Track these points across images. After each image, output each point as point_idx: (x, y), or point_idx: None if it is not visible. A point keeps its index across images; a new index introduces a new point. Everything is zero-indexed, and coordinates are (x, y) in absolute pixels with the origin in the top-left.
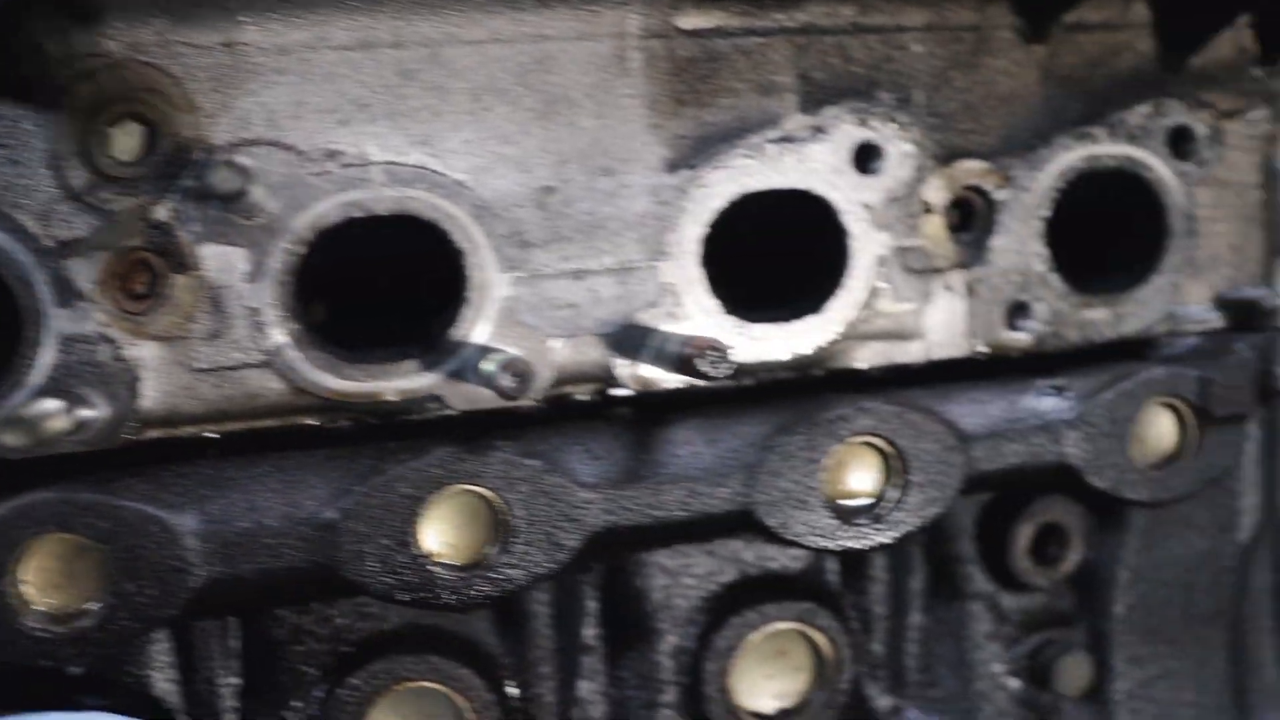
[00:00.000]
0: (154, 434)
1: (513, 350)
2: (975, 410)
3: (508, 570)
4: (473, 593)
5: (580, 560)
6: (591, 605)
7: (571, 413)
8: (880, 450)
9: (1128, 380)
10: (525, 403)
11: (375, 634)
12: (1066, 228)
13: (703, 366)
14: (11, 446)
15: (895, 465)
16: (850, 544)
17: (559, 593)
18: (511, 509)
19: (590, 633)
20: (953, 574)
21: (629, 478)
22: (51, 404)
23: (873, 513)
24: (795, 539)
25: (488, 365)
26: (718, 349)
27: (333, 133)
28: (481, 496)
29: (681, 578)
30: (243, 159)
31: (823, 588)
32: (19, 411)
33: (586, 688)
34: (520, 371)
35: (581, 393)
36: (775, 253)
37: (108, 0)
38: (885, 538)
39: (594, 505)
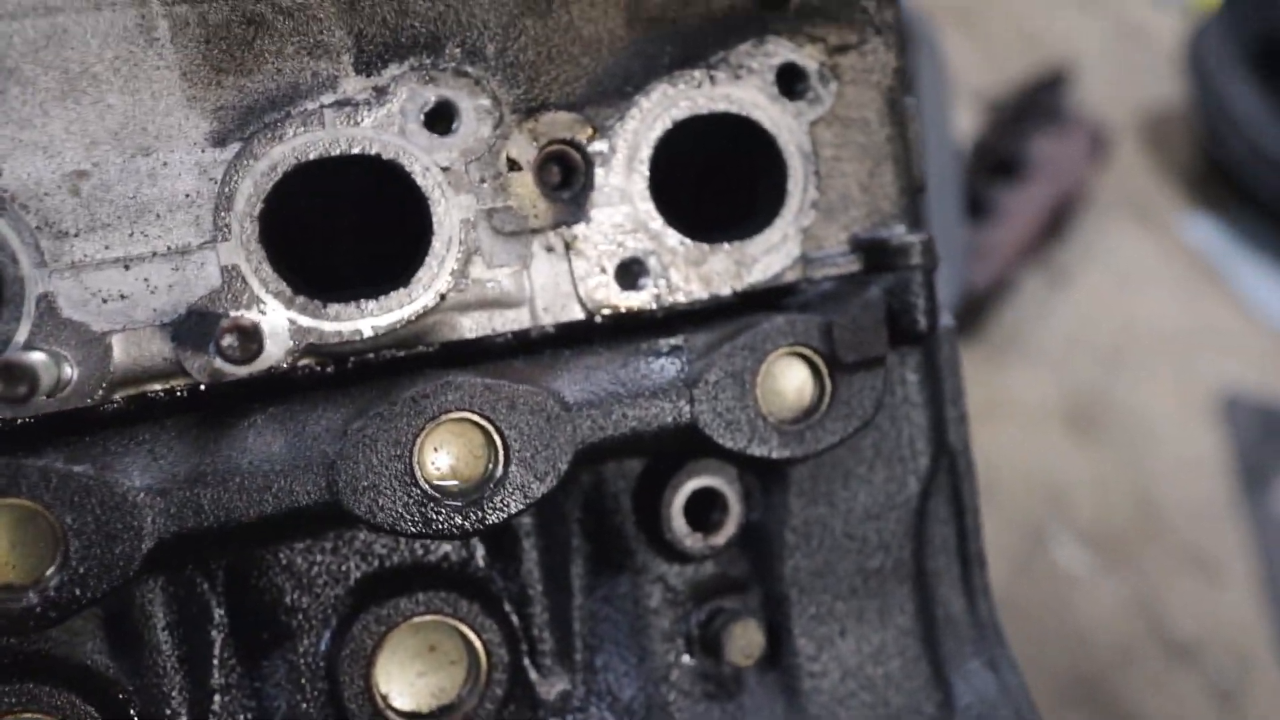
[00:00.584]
0: None
1: (63, 350)
2: (583, 377)
3: (67, 587)
4: (28, 614)
5: (155, 569)
6: (218, 613)
7: (154, 414)
8: (480, 426)
9: (747, 332)
10: (90, 403)
11: None
12: (684, 178)
13: (226, 349)
14: None
15: (494, 442)
16: (449, 528)
17: (177, 601)
18: (63, 519)
19: (218, 641)
20: (615, 550)
21: (194, 478)
22: None
23: (474, 494)
24: (388, 527)
25: None
26: (243, 329)
27: None
28: (32, 509)
29: (310, 576)
30: None
31: (469, 575)
32: None
33: (221, 701)
34: (13, 373)
35: (159, 392)
36: (372, 228)
37: None
38: (491, 519)
39: (153, 510)
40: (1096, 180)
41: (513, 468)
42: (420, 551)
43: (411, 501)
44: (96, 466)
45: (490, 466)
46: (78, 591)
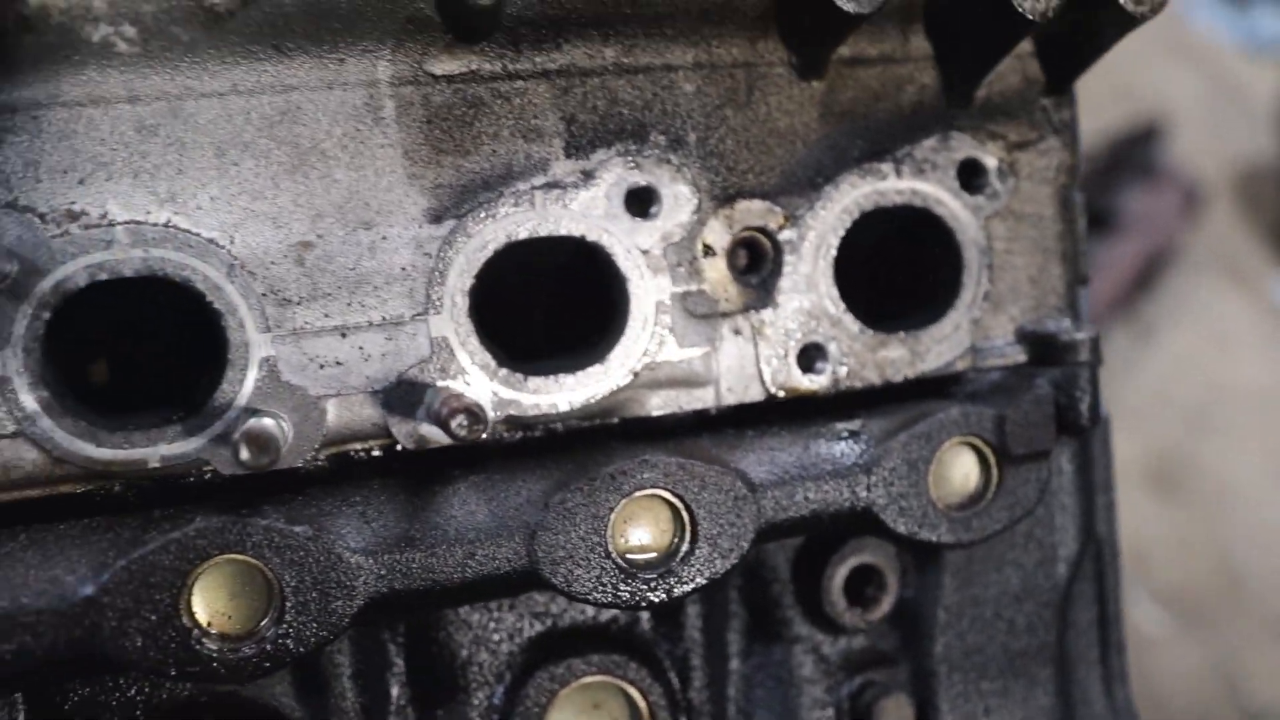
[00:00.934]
0: None
1: (280, 412)
2: (767, 458)
3: (282, 640)
4: (245, 664)
5: (359, 625)
6: (398, 663)
7: (354, 471)
8: (668, 502)
9: (923, 422)
10: (301, 464)
11: None
12: (863, 266)
13: (455, 428)
14: None
15: (682, 518)
16: (639, 599)
17: (362, 652)
18: (281, 577)
19: (397, 692)
20: (771, 618)
21: (404, 542)
22: None
23: (661, 567)
24: (582, 596)
25: (235, 435)
26: (473, 411)
27: (72, 192)
28: (252, 565)
29: (488, 632)
30: None
31: (635, 638)
32: None
33: None
34: (260, 442)
35: (360, 451)
36: (563, 301)
37: None
38: (677, 592)
39: (367, 571)
40: (1187, 236)
41: (700, 544)
42: (591, 613)
43: (605, 573)
44: (314, 527)
45: (677, 541)
46: (291, 645)
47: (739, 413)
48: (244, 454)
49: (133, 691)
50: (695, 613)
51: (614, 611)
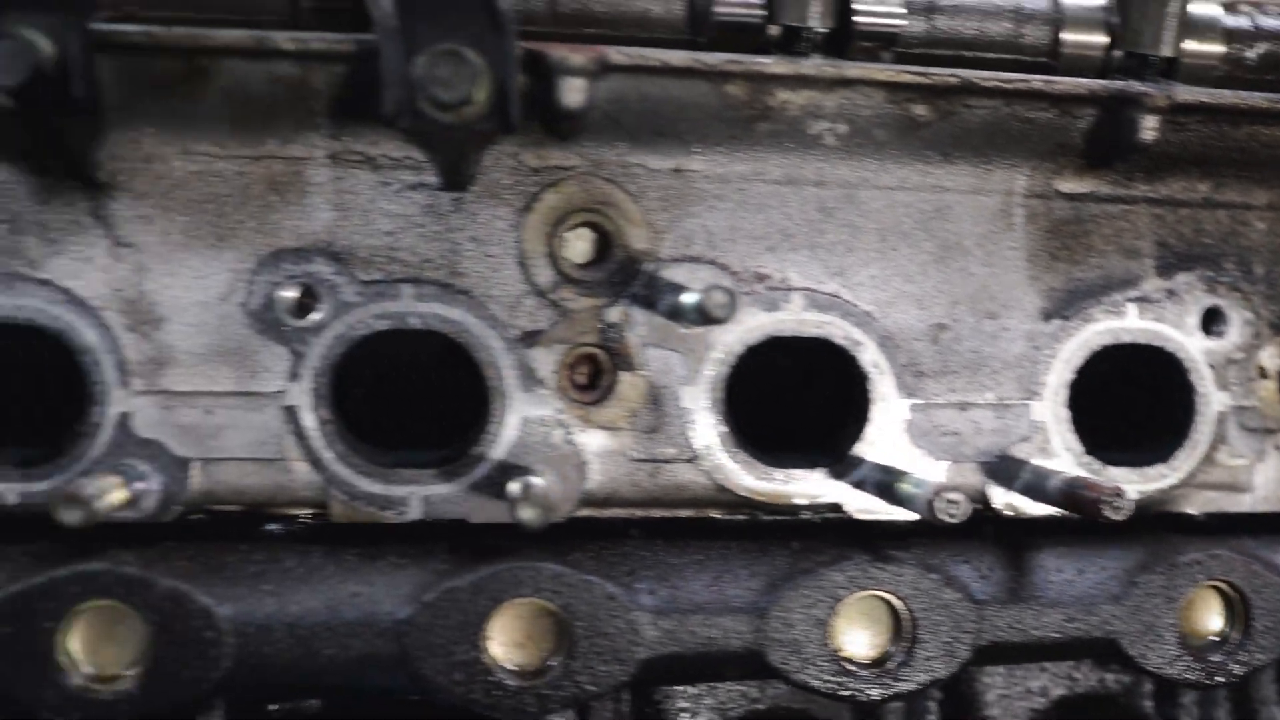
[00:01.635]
0: (587, 512)
1: (910, 470)
2: None
3: (912, 675)
4: (882, 693)
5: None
6: (932, 706)
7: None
8: (1223, 594)
9: None
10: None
11: None
12: None
13: (1105, 509)
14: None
15: (1238, 608)
16: (1200, 679)
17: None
18: (914, 617)
19: None
20: None
21: (1013, 597)
22: (537, 481)
23: (1220, 650)
24: (1153, 670)
25: (908, 487)
26: (1120, 495)
27: (761, 257)
28: (885, 602)
29: (1018, 688)
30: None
31: (1137, 710)
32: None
33: None
34: (954, 499)
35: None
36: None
37: (588, 125)
38: (1235, 674)
39: (984, 620)
40: None
41: (1254, 634)
42: (1106, 684)
43: (1176, 651)
44: (942, 575)
45: (1228, 629)
46: (927, 676)
47: (1257, 518)
48: (941, 508)
49: None
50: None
51: (1125, 683)
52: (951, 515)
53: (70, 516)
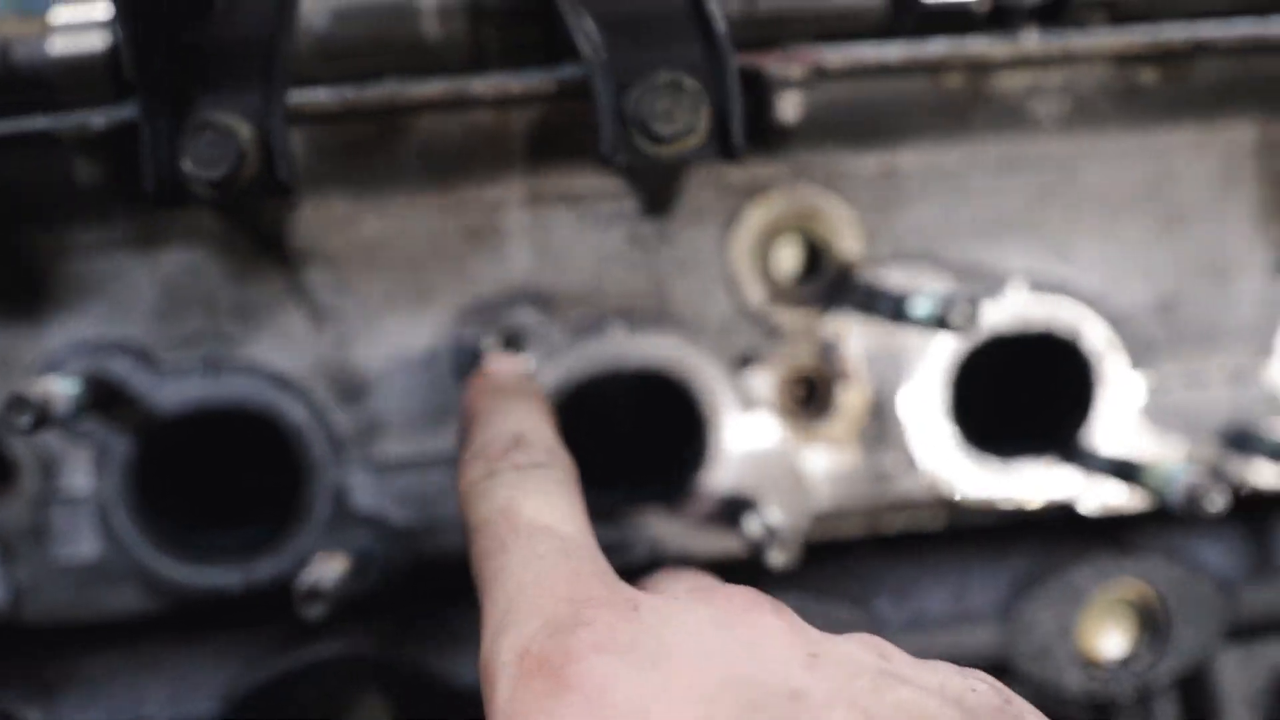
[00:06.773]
0: (817, 533)
1: (1148, 455)
2: None
3: (1166, 665)
4: (1136, 689)
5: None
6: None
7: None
8: None
9: None
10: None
11: None
12: None
13: None
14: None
15: None
16: None
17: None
18: (1166, 607)
19: None
20: None
21: (1262, 577)
22: (778, 521)
23: None
24: None
25: (1158, 477)
26: None
27: (980, 247)
28: (1133, 595)
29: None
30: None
31: None
32: (756, 529)
33: None
34: (1214, 490)
35: None
36: None
37: (795, 132)
38: None
39: (1236, 603)
40: None
41: None
42: None
43: None
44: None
45: None
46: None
47: None
48: (1204, 499)
49: None
50: None
51: None
52: (1214, 506)
53: (312, 612)
